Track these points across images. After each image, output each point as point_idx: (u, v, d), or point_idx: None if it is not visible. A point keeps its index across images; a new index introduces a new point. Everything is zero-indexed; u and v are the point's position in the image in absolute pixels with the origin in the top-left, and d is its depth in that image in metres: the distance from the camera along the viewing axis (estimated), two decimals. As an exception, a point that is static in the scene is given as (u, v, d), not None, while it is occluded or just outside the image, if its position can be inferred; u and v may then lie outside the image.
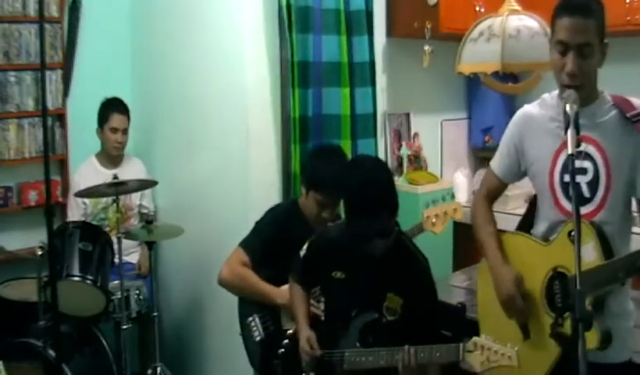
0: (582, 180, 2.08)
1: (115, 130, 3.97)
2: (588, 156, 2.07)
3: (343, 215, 2.42)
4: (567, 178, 2.10)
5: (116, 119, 3.96)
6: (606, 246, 1.98)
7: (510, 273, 2.19)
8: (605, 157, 2.06)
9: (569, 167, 1.76)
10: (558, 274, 2.09)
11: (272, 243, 2.89)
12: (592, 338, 1.87)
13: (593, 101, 2.09)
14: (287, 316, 2.77)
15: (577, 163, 2.06)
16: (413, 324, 2.29)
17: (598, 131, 2.07)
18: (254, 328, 2.87)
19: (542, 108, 2.22)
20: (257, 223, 2.99)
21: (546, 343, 2.09)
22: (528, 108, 2.27)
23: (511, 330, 2.20)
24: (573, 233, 2.01)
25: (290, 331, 2.72)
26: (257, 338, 2.85)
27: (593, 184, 2.08)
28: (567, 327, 2.03)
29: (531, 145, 2.22)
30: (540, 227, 2.23)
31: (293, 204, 3.03)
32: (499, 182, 2.37)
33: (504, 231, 2.34)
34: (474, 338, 2.02)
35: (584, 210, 2.05)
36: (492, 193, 2.40)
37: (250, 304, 2.90)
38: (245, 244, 2.94)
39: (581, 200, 2.07)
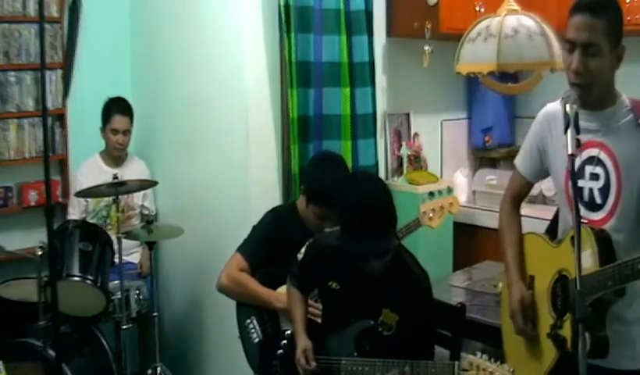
0: (594, 186, 2.05)
1: (115, 132, 3.97)
2: (600, 162, 2.04)
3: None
4: (579, 182, 2.06)
5: (117, 121, 3.96)
6: (606, 253, 1.94)
7: (519, 291, 2.19)
8: (615, 163, 2.02)
9: (571, 168, 1.75)
10: (562, 277, 2.09)
11: (270, 246, 2.88)
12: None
13: (609, 106, 2.04)
14: (286, 317, 2.76)
15: (590, 169, 2.06)
16: (408, 340, 2.28)
17: (611, 136, 2.03)
18: (252, 330, 2.86)
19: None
20: (254, 227, 2.98)
21: (548, 343, 2.09)
22: (551, 107, 2.22)
23: None
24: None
25: (289, 332, 2.71)
26: (256, 340, 2.84)
27: (604, 191, 2.04)
28: (566, 330, 2.03)
29: (551, 146, 2.20)
30: (560, 228, 2.23)
31: (292, 206, 3.03)
32: (525, 181, 2.35)
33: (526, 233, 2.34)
34: (470, 357, 2.01)
35: (595, 216, 2.04)
36: (518, 194, 2.38)
37: (247, 306, 2.89)
38: (243, 249, 2.93)
39: (592, 206, 2.06)
